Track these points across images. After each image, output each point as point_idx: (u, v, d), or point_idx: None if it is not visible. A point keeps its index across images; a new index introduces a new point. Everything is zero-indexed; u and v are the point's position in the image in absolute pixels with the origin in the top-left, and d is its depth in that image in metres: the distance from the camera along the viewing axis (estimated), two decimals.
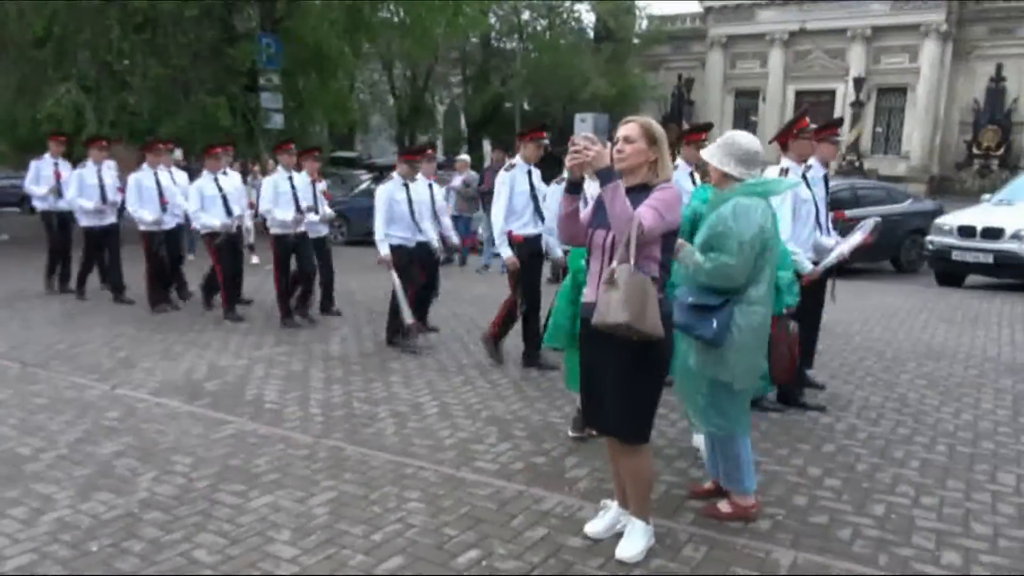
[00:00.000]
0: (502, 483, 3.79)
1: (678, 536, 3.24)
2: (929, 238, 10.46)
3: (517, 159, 5.89)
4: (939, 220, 10.58)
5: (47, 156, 9.09)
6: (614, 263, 2.78)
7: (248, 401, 5.08)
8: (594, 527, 3.23)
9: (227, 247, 7.56)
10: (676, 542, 3.18)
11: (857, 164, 28.87)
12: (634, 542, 3.05)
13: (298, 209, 7.14)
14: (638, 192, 2.88)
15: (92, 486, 3.73)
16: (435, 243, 6.75)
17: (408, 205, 6.41)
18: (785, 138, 4.85)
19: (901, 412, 4.91)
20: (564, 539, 3.22)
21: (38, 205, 9.17)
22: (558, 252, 5.78)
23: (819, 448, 4.27)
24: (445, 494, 3.66)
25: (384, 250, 6.36)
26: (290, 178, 7.24)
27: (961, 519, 3.43)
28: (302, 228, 7.33)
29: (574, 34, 32.46)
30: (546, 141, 5.97)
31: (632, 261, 2.72)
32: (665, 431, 4.48)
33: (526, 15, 31.34)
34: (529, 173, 5.82)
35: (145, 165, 8.05)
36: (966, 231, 9.96)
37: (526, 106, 31.84)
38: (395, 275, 6.33)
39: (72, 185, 8.36)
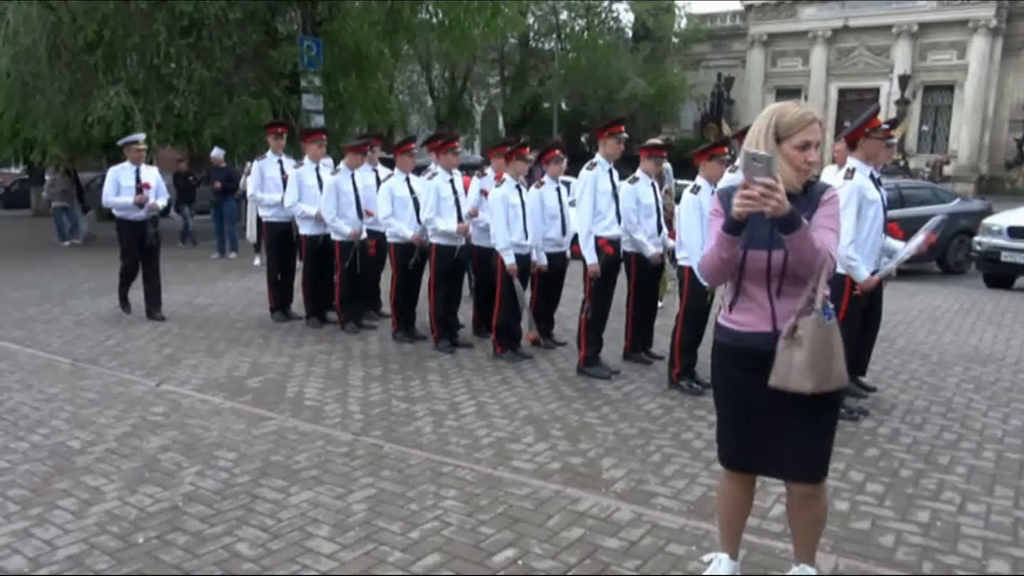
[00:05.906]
0: (539, 483, 3.80)
1: (716, 539, 3.21)
2: (977, 239, 10.20)
3: (597, 157, 5.62)
4: (988, 220, 10.31)
5: (269, 154, 7.56)
6: (797, 308, 2.39)
7: (289, 398, 5.17)
8: None
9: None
10: (714, 545, 3.16)
11: (902, 163, 28.30)
12: None
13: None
14: (794, 201, 2.35)
15: (139, 479, 3.83)
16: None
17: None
18: (855, 136, 4.61)
19: (947, 416, 4.80)
20: (600, 540, 3.22)
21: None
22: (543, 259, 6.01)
23: (862, 452, 4.20)
24: (482, 493, 3.68)
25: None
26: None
27: (1010, 528, 3.34)
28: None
29: (612, 34, 32.44)
30: (625, 135, 5.67)
31: (819, 304, 2.36)
32: (702, 432, 4.44)
33: (564, 15, 31.42)
34: (611, 172, 5.60)
35: (342, 165, 6.98)
36: (1016, 232, 9.69)
37: (564, 106, 31.87)
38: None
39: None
